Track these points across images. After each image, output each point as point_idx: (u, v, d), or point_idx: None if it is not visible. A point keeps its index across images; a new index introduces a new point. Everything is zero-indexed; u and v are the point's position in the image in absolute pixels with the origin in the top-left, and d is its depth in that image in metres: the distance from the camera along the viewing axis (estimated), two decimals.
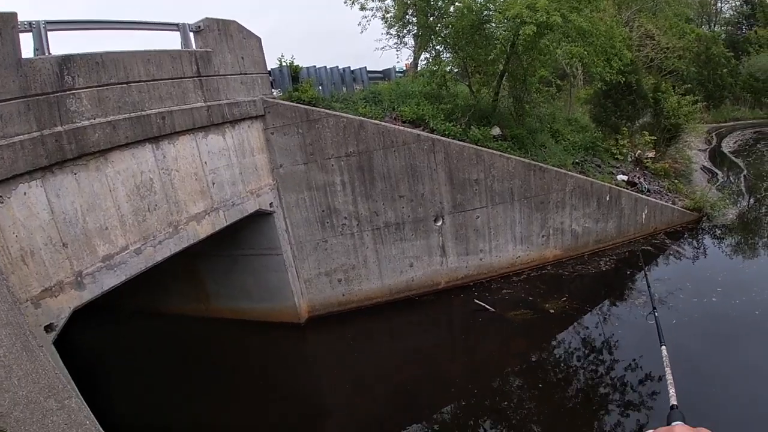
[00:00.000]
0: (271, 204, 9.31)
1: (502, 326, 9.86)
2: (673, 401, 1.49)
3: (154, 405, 8.38)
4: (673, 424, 1.25)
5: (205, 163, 7.67)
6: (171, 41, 7.59)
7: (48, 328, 4.75)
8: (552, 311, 10.02)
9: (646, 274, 11.14)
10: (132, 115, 6.15)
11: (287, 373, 9.16)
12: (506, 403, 7.85)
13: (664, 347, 1.97)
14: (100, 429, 3.82)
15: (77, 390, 4.53)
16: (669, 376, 1.71)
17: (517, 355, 9.07)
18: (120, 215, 6.04)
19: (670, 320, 9.17)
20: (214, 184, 7.87)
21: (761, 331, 8.59)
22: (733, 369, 7.56)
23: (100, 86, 5.69)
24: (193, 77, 7.36)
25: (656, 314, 2.43)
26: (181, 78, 7.08)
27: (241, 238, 9.58)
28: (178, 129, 6.95)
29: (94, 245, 5.60)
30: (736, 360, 7.81)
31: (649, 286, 5.88)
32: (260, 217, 9.27)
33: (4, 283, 3.87)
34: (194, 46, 7.75)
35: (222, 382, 8.87)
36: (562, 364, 8.76)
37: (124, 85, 6.07)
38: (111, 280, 5.78)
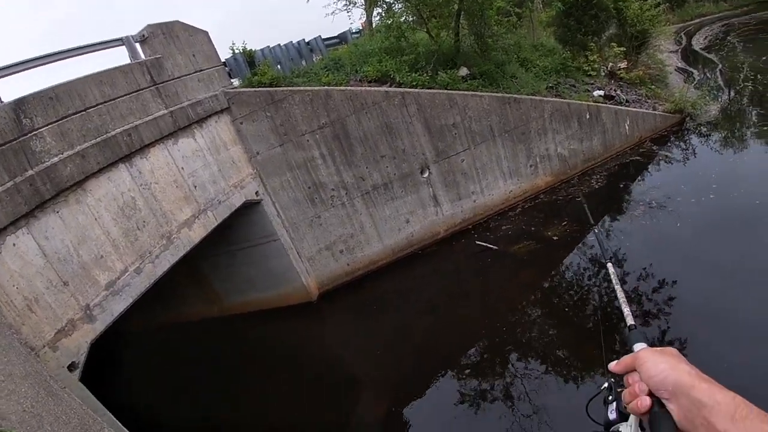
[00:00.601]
0: (256, 193, 9.42)
1: (507, 261, 10.17)
2: (630, 321, 1.36)
3: (200, 408, 8.73)
4: (636, 347, 1.16)
5: (182, 168, 7.75)
6: (121, 55, 7.56)
7: (71, 367, 4.97)
8: (554, 237, 10.30)
9: (584, 205, 11.33)
10: (98, 139, 6.21)
11: (312, 351, 9.53)
12: (528, 334, 8.20)
13: (610, 264, 1.84)
14: None
15: (114, 418, 4.79)
16: (620, 295, 1.57)
17: (529, 286, 9.41)
18: (111, 240, 6.20)
19: (674, 224, 9.45)
20: (195, 186, 7.97)
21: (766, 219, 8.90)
22: (748, 260, 7.86)
23: (59, 120, 5.74)
24: (149, 87, 7.36)
25: (597, 231, 2.58)
26: (137, 91, 7.09)
27: (235, 233, 9.74)
28: (146, 142, 7.00)
29: (94, 276, 5.78)
30: (749, 251, 8.08)
31: (585, 204, 6.03)
32: (249, 208, 9.40)
33: (15, 337, 4.07)
34: (143, 56, 7.70)
35: (256, 374, 9.20)
36: (575, 286, 9.08)
37: (83, 112, 6.11)
38: (119, 305, 5.98)
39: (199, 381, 9.50)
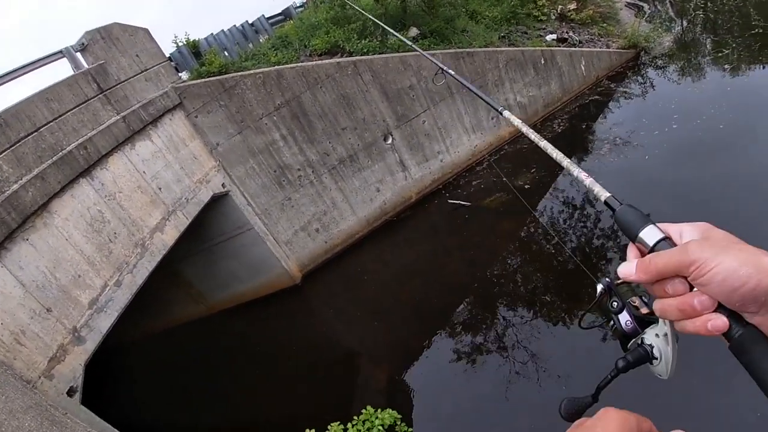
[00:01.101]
0: (222, 185, 9.43)
1: (482, 215, 10.50)
2: (605, 193, 1.04)
3: (199, 413, 8.89)
4: (649, 233, 0.81)
5: (144, 172, 7.73)
6: (63, 68, 7.42)
7: (70, 392, 5.08)
8: (524, 186, 10.61)
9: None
10: (54, 158, 6.15)
11: (304, 333, 9.75)
12: (511, 284, 8.59)
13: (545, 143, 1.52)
14: None
15: None
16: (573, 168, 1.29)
17: (506, 236, 9.77)
18: (86, 258, 6.23)
19: (642, 157, 9.80)
20: (160, 189, 7.97)
21: (732, 140, 9.39)
22: (714, 178, 8.29)
23: (12, 146, 5.68)
24: (97, 95, 7.25)
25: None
26: (86, 101, 6.99)
27: (209, 229, 9.79)
28: (103, 152, 6.94)
29: (75, 297, 5.84)
30: (719, 170, 8.54)
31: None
32: (218, 201, 9.42)
33: (9, 373, 4.16)
34: (86, 65, 7.55)
35: (252, 368, 9.36)
36: (552, 229, 9.45)
37: (35, 133, 6.04)
38: (105, 321, 6.06)
39: (195, 385, 9.64)
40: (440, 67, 3.55)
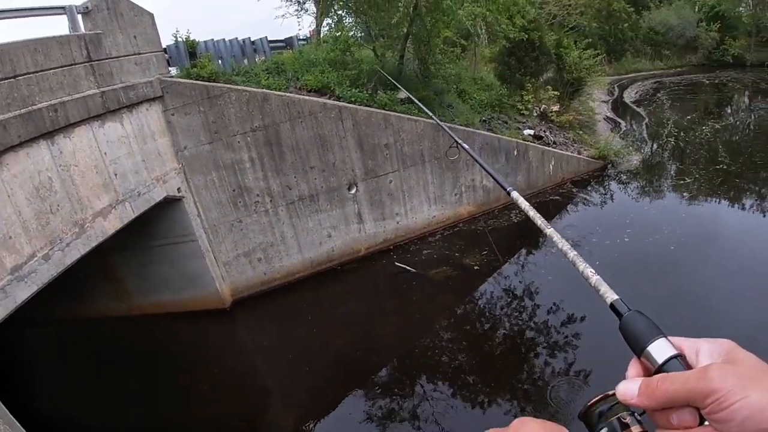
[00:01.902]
0: (179, 189, 9.35)
1: (425, 285, 10.67)
2: (612, 296, 0.94)
3: (90, 411, 8.46)
4: (658, 349, 0.71)
5: (105, 153, 7.62)
6: (59, 25, 7.38)
7: None
8: (472, 265, 10.95)
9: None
10: (22, 111, 6.04)
11: (222, 360, 9.48)
12: (438, 357, 8.68)
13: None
14: None
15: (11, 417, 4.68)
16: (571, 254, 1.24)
17: (443, 310, 9.95)
18: (22, 221, 6.02)
19: (592, 262, 10.27)
20: (116, 175, 7.85)
21: (681, 262, 10.09)
22: (659, 295, 8.78)
23: None
24: (84, 63, 7.22)
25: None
26: (71, 65, 6.94)
27: (153, 229, 9.58)
28: (72, 121, 6.84)
29: (0, 257, 5.62)
30: (664, 291, 9.02)
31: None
32: (170, 204, 9.30)
33: None
34: (83, 29, 7.54)
35: (156, 380, 9.03)
36: (487, 314, 9.72)
37: (12, 79, 5.93)
38: (23, 292, 5.79)
39: (95, 380, 9.21)
40: (456, 141, 3.60)
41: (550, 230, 1.46)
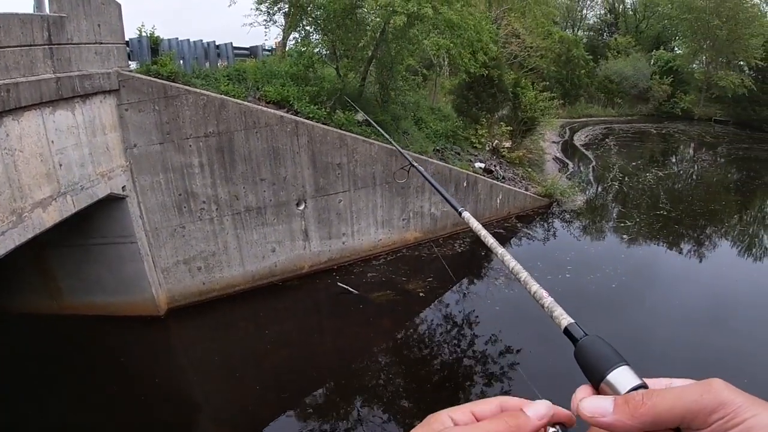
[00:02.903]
0: (123, 188, 9.26)
1: (366, 307, 10.89)
2: (567, 319, 0.89)
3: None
4: (623, 378, 0.63)
5: (52, 142, 7.51)
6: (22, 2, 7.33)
7: None
8: (414, 291, 11.27)
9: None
10: None
11: (151, 369, 9.32)
12: (375, 381, 8.88)
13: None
14: None
15: None
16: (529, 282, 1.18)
17: (383, 334, 10.19)
18: None
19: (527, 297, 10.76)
20: (61, 165, 7.73)
21: (624, 299, 10.86)
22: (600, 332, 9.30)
23: None
24: (44, 45, 7.15)
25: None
26: (30, 46, 6.86)
27: (93, 226, 9.40)
28: (24, 104, 6.73)
29: None
30: (606, 327, 9.51)
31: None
32: (112, 202, 9.19)
33: None
34: (47, 10, 7.50)
35: (80, 384, 8.81)
36: (427, 341, 10.03)
37: None
38: None
39: (9, 380, 8.86)
40: (411, 163, 3.91)
41: (501, 250, 1.42)
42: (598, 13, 50.53)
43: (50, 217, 7.48)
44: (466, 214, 1.99)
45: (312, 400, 8.43)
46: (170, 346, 10.44)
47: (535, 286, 1.12)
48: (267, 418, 8.07)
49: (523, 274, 1.21)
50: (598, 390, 0.65)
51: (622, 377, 0.63)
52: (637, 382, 0.62)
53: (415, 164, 3.77)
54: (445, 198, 2.49)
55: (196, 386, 9.18)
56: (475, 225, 1.77)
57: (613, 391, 0.63)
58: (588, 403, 0.62)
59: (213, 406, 8.54)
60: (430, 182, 2.92)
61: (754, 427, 0.51)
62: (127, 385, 8.85)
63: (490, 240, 1.54)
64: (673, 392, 0.57)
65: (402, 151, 4.61)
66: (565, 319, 0.88)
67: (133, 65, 10.10)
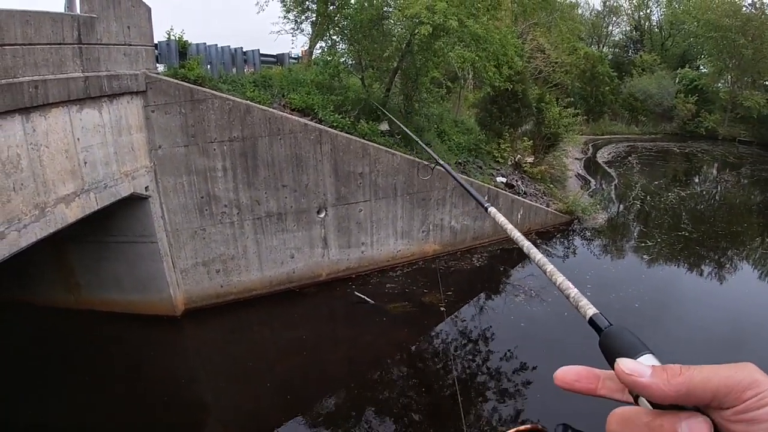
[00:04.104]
0: (146, 188, 9.26)
1: (381, 318, 10.68)
2: (592, 310, 0.91)
3: (19, 407, 8.08)
4: (640, 357, 0.62)
5: (78, 139, 7.53)
6: (53, 1, 7.40)
7: None
8: (431, 304, 11.02)
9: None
10: (3, 81, 5.97)
11: (164, 369, 9.28)
12: (386, 392, 8.65)
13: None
14: None
15: None
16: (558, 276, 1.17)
17: (397, 345, 9.97)
18: None
19: (559, 313, 10.47)
20: (86, 163, 7.75)
21: (648, 319, 10.47)
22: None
23: None
24: (73, 44, 7.20)
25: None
26: (60, 44, 6.90)
27: (114, 224, 9.42)
28: (51, 100, 6.77)
29: None
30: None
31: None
32: (135, 201, 9.20)
33: None
34: (78, 11, 7.56)
35: (93, 380, 8.74)
36: (441, 354, 9.75)
37: None
38: None
39: (16, 373, 8.88)
40: (437, 160, 3.97)
41: (527, 244, 1.49)
42: (624, 29, 50.00)
43: (73, 213, 7.48)
44: (492, 210, 2.08)
45: (322, 408, 8.27)
46: (184, 347, 10.38)
47: (560, 278, 1.15)
48: (275, 423, 7.92)
49: (549, 267, 1.23)
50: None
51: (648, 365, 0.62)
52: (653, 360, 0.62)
53: (441, 162, 3.84)
54: (470, 194, 2.59)
55: (206, 387, 9.08)
56: (501, 219, 1.87)
57: None
58: (627, 362, 0.61)
59: (222, 408, 8.42)
60: (455, 178, 3.08)
61: None
62: (138, 383, 8.80)
63: (515, 234, 1.61)
64: (709, 367, 0.56)
65: (427, 149, 4.60)
66: (590, 309, 0.90)
67: (160, 68, 10.14)
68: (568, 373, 0.69)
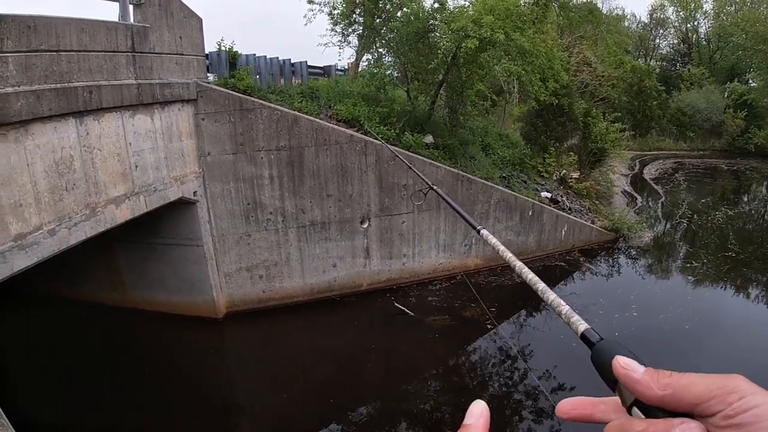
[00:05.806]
0: (195, 193, 9.31)
1: (421, 330, 10.38)
2: (583, 325, 0.86)
3: (61, 402, 8.13)
4: None
5: (130, 144, 7.60)
6: (107, 11, 7.52)
7: None
8: (472, 318, 10.66)
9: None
10: (58, 86, 6.04)
11: (202, 370, 9.20)
12: (421, 406, 8.31)
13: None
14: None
15: None
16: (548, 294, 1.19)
17: (435, 359, 9.63)
18: (36, 192, 5.94)
19: (610, 333, 10.00)
20: (137, 167, 7.81)
21: (698, 342, 9.92)
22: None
23: (29, 52, 5.57)
24: (127, 52, 7.30)
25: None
26: (114, 52, 7.01)
27: (161, 226, 9.50)
28: (105, 105, 6.86)
29: (6, 222, 5.50)
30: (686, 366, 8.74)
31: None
32: (182, 205, 9.25)
33: None
34: (132, 20, 7.68)
35: (132, 377, 8.77)
36: (478, 370, 9.39)
37: (54, 53, 5.96)
38: (22, 261, 5.67)
39: (63, 369, 9.01)
40: (429, 186, 4.06)
41: (519, 264, 1.52)
42: (671, 42, 47.89)
43: (122, 214, 7.54)
44: (485, 232, 2.08)
45: (355, 417, 8.02)
46: (224, 349, 10.33)
47: (552, 296, 1.15)
48: (308, 430, 7.74)
49: (541, 285, 1.26)
50: (614, 391, 0.64)
51: None
52: None
53: (435, 187, 3.93)
54: (462, 216, 2.59)
55: (241, 390, 8.99)
56: (493, 241, 1.89)
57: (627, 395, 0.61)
58: (624, 357, 0.62)
59: (255, 412, 8.32)
60: (447, 201, 3.08)
61: (760, 415, 0.50)
62: (175, 382, 8.78)
63: (507, 255, 1.65)
64: (697, 374, 0.57)
65: (419, 173, 4.56)
66: (582, 325, 0.88)
67: (211, 77, 10.23)
68: (566, 404, 0.69)
